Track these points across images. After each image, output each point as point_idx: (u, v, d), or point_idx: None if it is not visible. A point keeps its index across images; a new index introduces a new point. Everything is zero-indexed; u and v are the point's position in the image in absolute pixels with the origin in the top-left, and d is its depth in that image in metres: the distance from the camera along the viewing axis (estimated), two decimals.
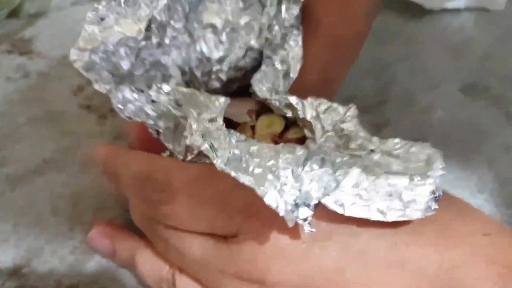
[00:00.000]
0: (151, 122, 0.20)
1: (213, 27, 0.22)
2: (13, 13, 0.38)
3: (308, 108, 0.20)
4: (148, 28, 0.21)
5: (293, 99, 0.20)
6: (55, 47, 0.36)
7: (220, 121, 0.18)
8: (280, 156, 0.17)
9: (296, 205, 0.16)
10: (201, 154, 0.18)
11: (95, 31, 0.20)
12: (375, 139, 0.19)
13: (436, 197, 0.17)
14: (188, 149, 0.19)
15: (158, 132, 0.20)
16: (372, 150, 0.18)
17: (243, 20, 0.22)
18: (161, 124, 0.20)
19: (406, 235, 0.18)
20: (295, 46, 0.21)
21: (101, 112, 0.31)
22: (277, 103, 0.20)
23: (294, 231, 0.17)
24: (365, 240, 0.18)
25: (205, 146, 0.17)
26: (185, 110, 0.19)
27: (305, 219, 0.16)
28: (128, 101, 0.20)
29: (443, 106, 0.33)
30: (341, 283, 0.17)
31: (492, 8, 0.42)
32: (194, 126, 0.18)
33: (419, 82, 0.35)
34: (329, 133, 0.19)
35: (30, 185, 0.27)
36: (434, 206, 0.17)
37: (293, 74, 0.21)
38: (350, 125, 0.20)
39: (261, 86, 0.21)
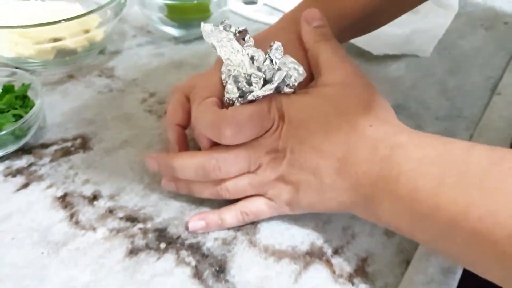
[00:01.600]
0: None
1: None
2: (101, 52, 0.54)
3: None
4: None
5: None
6: (127, 73, 0.51)
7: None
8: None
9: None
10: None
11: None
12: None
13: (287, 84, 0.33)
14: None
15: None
16: None
17: (252, 70, 0.34)
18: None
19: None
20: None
21: (158, 114, 0.45)
22: None
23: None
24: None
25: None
26: None
27: None
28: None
29: None
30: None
31: (421, 55, 0.56)
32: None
33: None
34: None
35: (117, 154, 0.41)
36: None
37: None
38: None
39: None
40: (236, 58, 0.33)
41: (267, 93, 0.32)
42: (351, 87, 0.33)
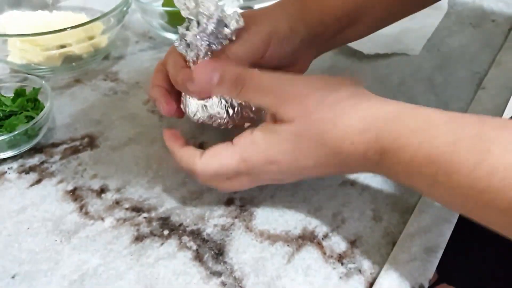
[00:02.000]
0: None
1: None
2: (105, 57, 0.58)
3: None
4: None
5: None
6: (131, 77, 0.54)
7: None
8: None
9: None
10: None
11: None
12: None
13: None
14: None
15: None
16: None
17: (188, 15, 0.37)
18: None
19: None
20: None
21: (160, 114, 0.48)
22: None
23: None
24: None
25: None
26: None
27: None
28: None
29: None
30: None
31: (410, 54, 0.58)
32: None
33: None
34: None
35: (122, 151, 0.44)
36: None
37: None
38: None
39: None
40: (190, 13, 0.37)
41: (199, 32, 0.36)
42: (312, 119, 0.32)
